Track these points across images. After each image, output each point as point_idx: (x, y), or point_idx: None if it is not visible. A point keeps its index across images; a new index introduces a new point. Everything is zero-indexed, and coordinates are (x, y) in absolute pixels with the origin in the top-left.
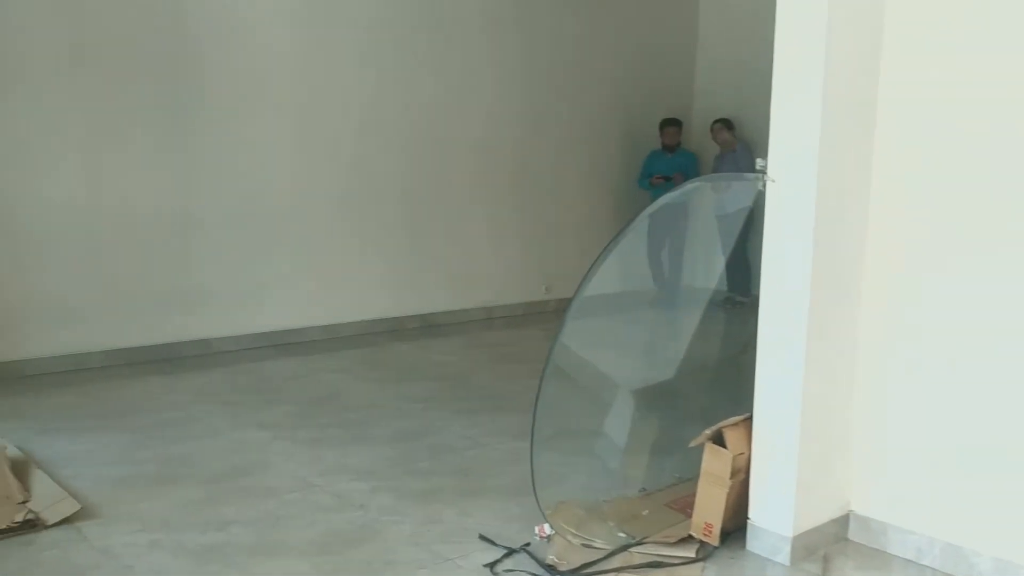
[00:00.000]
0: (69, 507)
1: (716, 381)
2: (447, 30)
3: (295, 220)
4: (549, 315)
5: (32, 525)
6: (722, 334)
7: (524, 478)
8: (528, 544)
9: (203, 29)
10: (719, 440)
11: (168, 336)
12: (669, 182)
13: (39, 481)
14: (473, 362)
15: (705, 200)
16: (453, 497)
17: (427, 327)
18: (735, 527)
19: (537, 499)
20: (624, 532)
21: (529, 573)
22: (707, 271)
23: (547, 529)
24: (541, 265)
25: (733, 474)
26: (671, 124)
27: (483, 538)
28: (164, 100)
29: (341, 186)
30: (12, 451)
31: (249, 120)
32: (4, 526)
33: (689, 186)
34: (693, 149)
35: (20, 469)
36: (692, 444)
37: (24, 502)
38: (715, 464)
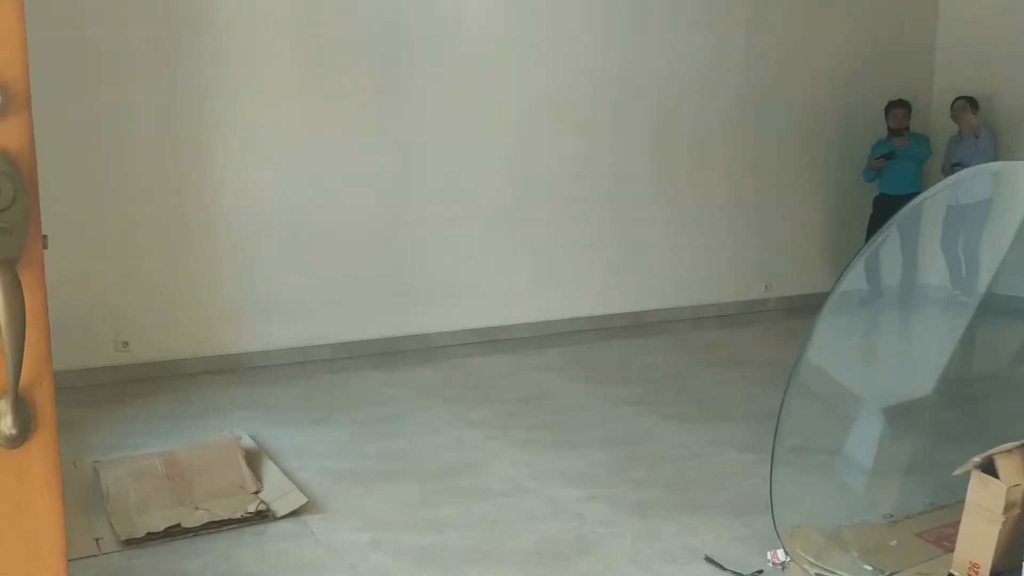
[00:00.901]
0: (297, 500)
1: (977, 397)
2: (664, 22)
3: (507, 218)
4: (767, 315)
5: (264, 516)
6: (980, 345)
7: (749, 495)
8: (760, 571)
9: (418, 32)
10: (990, 468)
11: (388, 331)
12: (892, 159)
13: (269, 472)
14: (686, 364)
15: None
16: (673, 511)
17: (636, 326)
18: (1006, 568)
19: (775, 521)
20: (870, 565)
21: None
22: (979, 270)
23: (780, 555)
24: (757, 262)
25: (1007, 508)
26: (898, 106)
27: (710, 560)
28: (381, 102)
29: (552, 184)
30: (246, 441)
31: (461, 120)
32: (239, 516)
33: (959, 175)
34: (929, 134)
35: (253, 459)
36: (958, 472)
37: (257, 492)
38: (985, 496)
